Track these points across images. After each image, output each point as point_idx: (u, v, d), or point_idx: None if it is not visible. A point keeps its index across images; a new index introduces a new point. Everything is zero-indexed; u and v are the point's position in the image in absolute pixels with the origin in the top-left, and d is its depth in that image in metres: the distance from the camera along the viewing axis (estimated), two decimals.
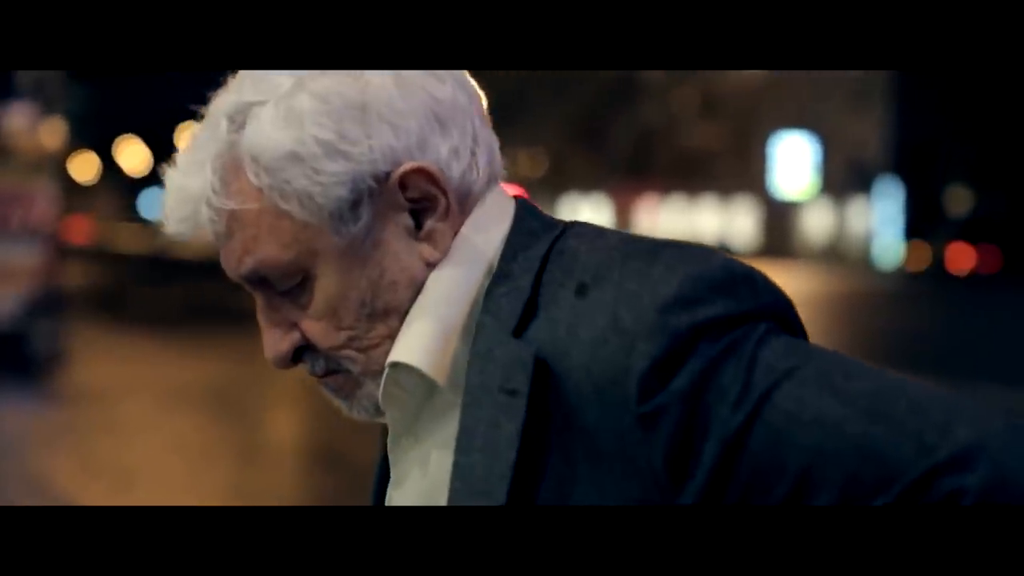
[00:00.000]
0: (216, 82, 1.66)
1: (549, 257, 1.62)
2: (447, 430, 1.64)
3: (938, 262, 53.39)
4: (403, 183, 1.62)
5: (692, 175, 62.14)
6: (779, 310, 1.56)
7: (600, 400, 1.51)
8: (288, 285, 1.65)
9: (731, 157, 60.08)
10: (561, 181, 65.77)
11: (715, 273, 1.53)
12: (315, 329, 1.66)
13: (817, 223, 58.68)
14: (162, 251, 47.11)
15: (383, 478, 1.78)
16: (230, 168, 1.62)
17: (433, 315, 1.63)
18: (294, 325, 1.67)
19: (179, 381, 16.58)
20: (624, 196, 65.35)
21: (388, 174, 1.61)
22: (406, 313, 1.64)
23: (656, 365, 1.48)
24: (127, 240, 61.99)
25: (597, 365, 1.51)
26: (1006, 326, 27.81)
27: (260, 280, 1.65)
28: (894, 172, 52.83)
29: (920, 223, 52.90)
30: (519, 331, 1.58)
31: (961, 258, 52.33)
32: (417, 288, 1.65)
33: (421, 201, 1.64)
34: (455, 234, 1.66)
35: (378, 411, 1.69)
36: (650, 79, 59.40)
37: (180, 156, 1.67)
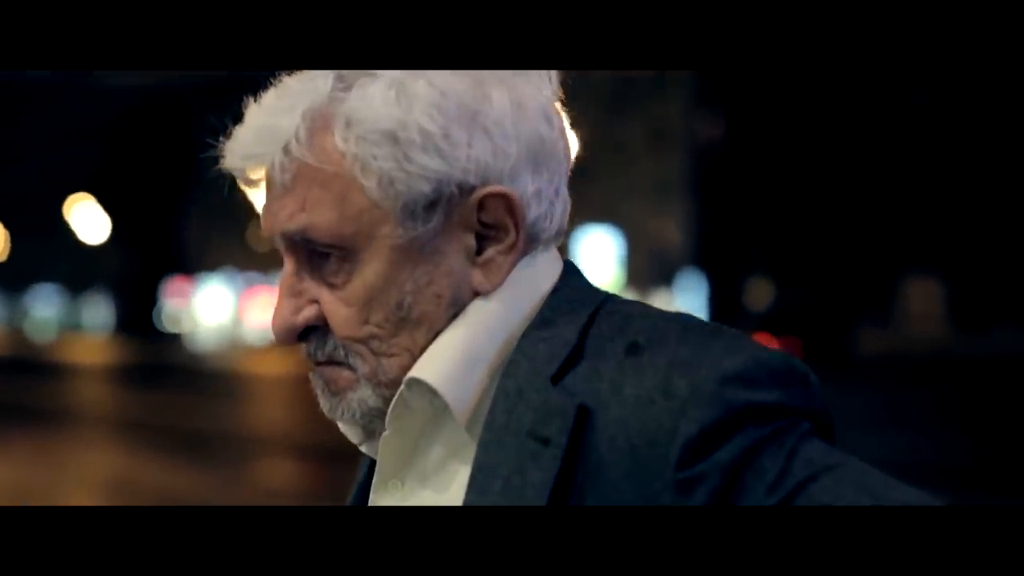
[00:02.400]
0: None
1: (598, 314, 1.61)
2: (449, 477, 1.61)
3: None
4: (483, 203, 1.60)
5: None
6: (822, 417, 1.56)
7: (633, 458, 1.48)
8: (327, 256, 1.60)
9: None
10: None
11: (778, 363, 1.53)
12: (340, 314, 1.61)
13: None
14: None
15: None
16: (320, 122, 1.59)
17: (466, 343, 1.60)
18: (315, 302, 1.62)
19: None
20: None
21: (473, 189, 1.59)
22: (436, 334, 1.60)
23: (704, 433, 1.46)
24: None
25: (637, 423, 1.49)
26: None
27: (301, 243, 1.61)
28: (696, 266, 53.61)
29: (722, 315, 53.76)
30: (557, 379, 1.55)
31: None
32: (456, 311, 1.62)
33: (491, 228, 1.62)
34: (509, 272, 1.63)
35: (363, 420, 1.64)
36: None
37: (267, 98, 1.63)
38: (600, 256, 56.46)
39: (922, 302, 44.87)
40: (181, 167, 67.92)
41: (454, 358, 1.59)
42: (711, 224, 52.85)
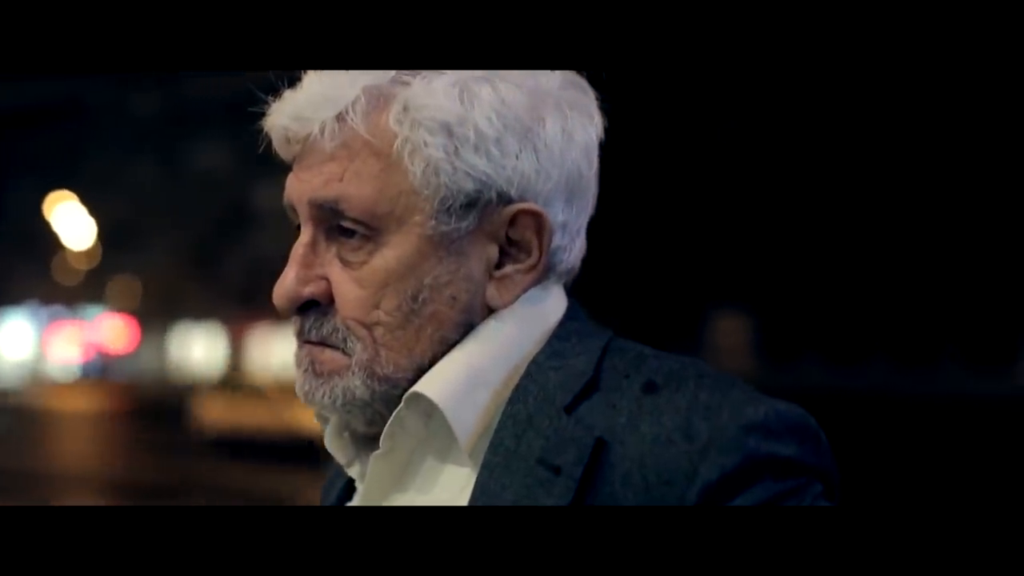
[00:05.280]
0: None
1: (609, 349, 1.61)
2: (439, 498, 1.58)
3: None
4: (514, 219, 1.60)
5: None
6: (830, 477, 1.55)
7: (648, 497, 1.47)
8: (350, 233, 1.58)
9: None
10: (173, 309, 65.02)
11: (796, 418, 1.52)
12: (351, 294, 1.58)
13: None
14: None
15: None
16: (379, 100, 1.58)
17: (472, 365, 1.59)
18: (324, 279, 1.60)
19: None
20: (237, 325, 65.01)
21: (510, 201, 1.59)
22: (440, 340, 1.59)
23: (724, 478, 1.45)
24: None
25: (654, 462, 1.48)
26: None
27: (328, 214, 1.59)
28: None
29: None
30: (571, 409, 1.54)
31: None
32: (465, 320, 1.61)
33: (515, 245, 1.62)
34: (521, 293, 1.63)
35: (343, 408, 1.61)
36: (263, 208, 59.30)
37: (327, 72, 1.62)
38: None
39: (730, 336, 45.62)
40: None
41: (458, 378, 1.57)
42: None
